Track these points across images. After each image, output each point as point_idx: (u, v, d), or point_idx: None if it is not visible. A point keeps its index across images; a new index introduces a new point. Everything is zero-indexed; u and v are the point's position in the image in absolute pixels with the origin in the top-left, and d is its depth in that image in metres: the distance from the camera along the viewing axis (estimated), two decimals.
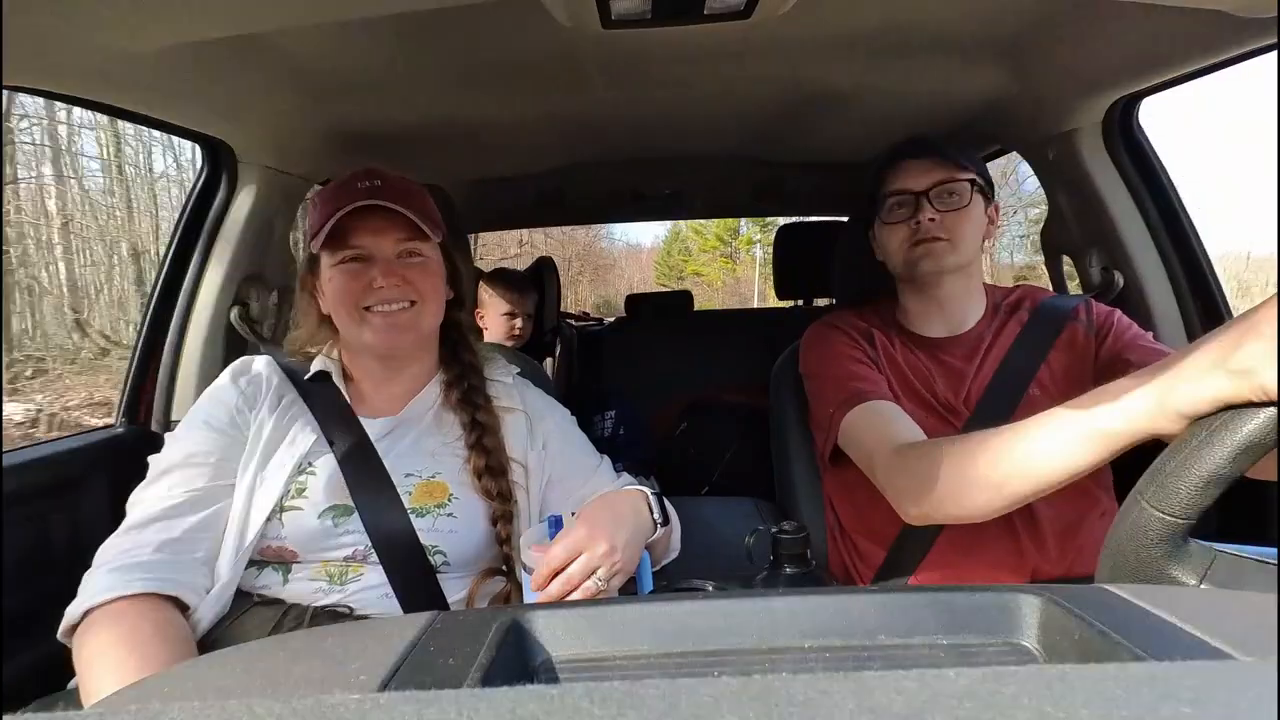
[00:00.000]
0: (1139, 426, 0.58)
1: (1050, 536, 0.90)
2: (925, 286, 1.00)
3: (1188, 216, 1.20)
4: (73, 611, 0.71)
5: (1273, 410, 0.44)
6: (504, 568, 0.85)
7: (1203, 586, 0.46)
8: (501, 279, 1.95)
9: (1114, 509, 0.93)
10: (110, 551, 0.75)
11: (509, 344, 1.88)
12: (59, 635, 0.71)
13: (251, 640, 0.72)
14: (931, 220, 0.93)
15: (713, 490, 2.03)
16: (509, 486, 0.85)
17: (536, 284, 2.10)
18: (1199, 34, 0.90)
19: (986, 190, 0.98)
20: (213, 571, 0.77)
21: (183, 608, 0.73)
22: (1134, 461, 0.52)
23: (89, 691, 0.66)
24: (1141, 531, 0.48)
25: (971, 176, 0.96)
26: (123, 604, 0.69)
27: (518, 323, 1.91)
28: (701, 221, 16.10)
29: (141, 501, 0.79)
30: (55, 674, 0.77)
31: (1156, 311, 1.19)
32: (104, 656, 0.67)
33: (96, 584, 0.71)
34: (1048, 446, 0.66)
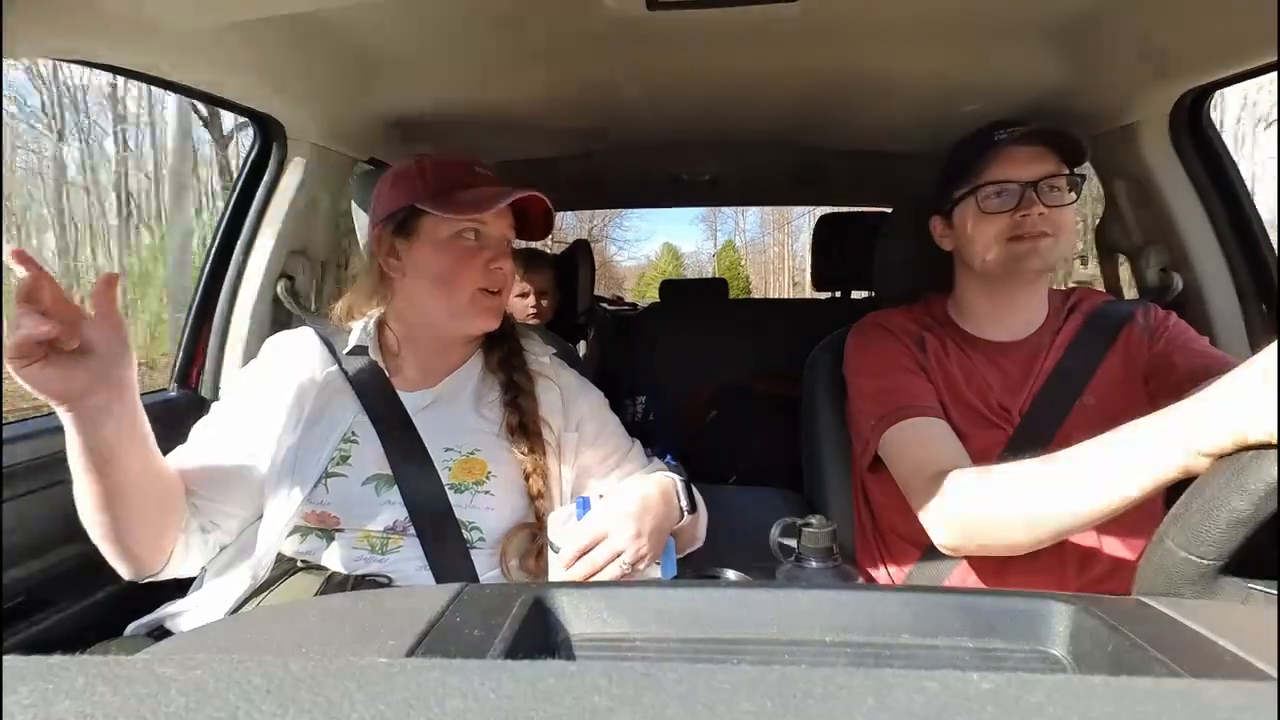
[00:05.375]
0: (1167, 465, 0.56)
1: (1099, 557, 0.86)
2: (1013, 285, 0.94)
3: (1258, 217, 1.14)
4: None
5: None
6: (534, 521, 0.85)
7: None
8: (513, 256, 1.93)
9: None
10: None
11: (530, 323, 1.88)
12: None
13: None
14: (1041, 214, 0.88)
15: (740, 479, 2.02)
16: (542, 445, 0.87)
17: (570, 265, 2.10)
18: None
19: (1080, 187, 0.93)
20: (240, 517, 0.82)
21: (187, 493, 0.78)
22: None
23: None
24: (1171, 572, 0.47)
25: (1080, 172, 0.91)
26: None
27: (530, 300, 1.88)
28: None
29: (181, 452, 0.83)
30: (112, 622, 0.82)
31: (1217, 317, 1.13)
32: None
33: None
34: (1080, 486, 0.64)
